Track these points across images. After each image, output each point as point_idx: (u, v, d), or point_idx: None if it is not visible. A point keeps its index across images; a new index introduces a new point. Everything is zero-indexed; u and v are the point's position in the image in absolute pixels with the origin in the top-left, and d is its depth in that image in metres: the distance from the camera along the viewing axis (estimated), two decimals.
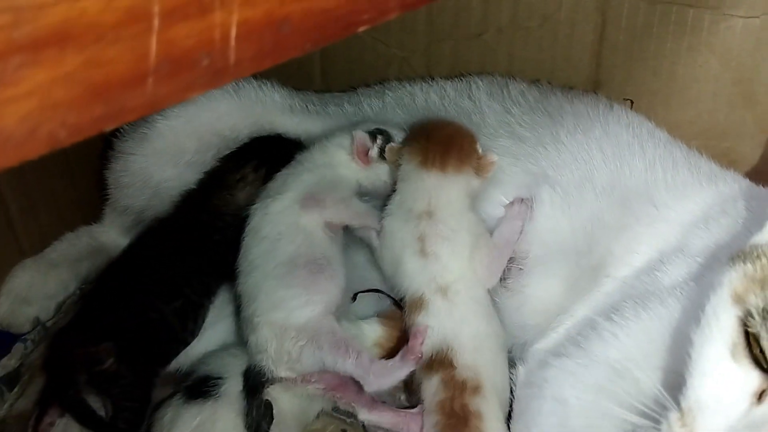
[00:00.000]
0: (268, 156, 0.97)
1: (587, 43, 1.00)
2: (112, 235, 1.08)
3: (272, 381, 0.81)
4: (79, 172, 1.08)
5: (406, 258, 0.86)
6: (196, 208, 0.96)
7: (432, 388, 0.80)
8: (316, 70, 1.20)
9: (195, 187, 0.99)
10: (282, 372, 0.81)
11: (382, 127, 0.95)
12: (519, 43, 1.05)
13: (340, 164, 0.93)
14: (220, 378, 0.82)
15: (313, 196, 0.89)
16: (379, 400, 0.83)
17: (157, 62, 0.33)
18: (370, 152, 0.92)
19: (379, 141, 0.92)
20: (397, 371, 0.81)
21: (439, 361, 0.81)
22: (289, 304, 0.82)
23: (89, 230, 1.08)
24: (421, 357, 0.81)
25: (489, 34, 1.06)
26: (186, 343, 0.89)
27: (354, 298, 0.90)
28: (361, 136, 0.92)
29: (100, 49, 0.31)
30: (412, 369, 0.81)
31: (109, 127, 0.34)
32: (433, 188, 0.87)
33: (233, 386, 0.82)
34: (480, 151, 0.90)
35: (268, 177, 0.94)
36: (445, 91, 1.04)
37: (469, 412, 0.77)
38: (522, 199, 0.89)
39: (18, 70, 0.29)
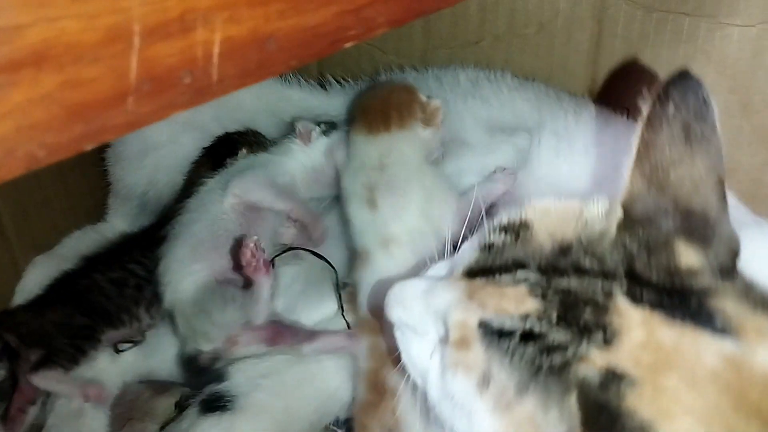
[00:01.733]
0: (213, 151, 1.02)
1: (584, 50, 1.00)
2: (117, 227, 1.10)
3: (209, 359, 0.82)
4: (73, 180, 1.08)
5: (354, 208, 0.83)
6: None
7: (362, 353, 0.76)
8: (313, 76, 1.19)
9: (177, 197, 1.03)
10: (205, 347, 0.82)
11: (328, 120, 1.00)
12: (516, 50, 1.04)
13: (288, 152, 0.97)
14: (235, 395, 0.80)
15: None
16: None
17: (137, 81, 0.33)
18: (312, 133, 0.96)
19: (322, 126, 0.97)
20: (262, 298, 0.82)
21: (368, 325, 0.76)
22: (171, 279, 0.85)
23: (95, 227, 1.10)
24: (264, 271, 0.80)
25: (486, 42, 1.06)
26: (130, 311, 0.93)
27: (272, 263, 0.87)
28: (304, 122, 0.97)
29: (79, 69, 0.31)
30: (265, 285, 0.81)
31: (89, 147, 0.34)
32: (383, 147, 0.85)
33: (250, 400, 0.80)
34: (424, 99, 0.88)
35: (214, 168, 0.98)
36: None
37: (384, 390, 0.71)
38: (504, 168, 0.88)
39: None
